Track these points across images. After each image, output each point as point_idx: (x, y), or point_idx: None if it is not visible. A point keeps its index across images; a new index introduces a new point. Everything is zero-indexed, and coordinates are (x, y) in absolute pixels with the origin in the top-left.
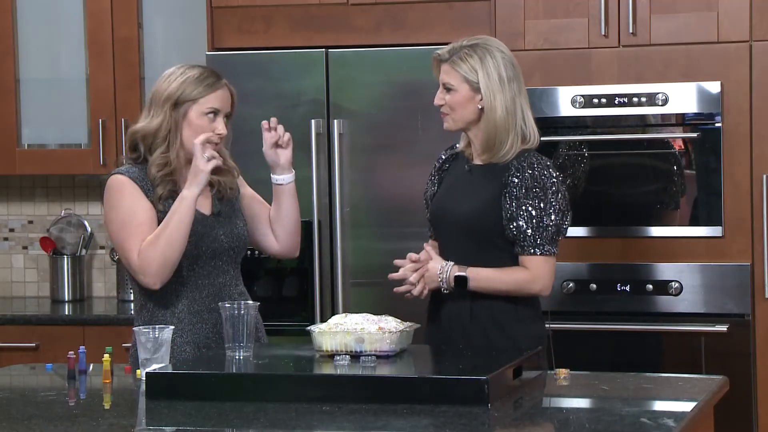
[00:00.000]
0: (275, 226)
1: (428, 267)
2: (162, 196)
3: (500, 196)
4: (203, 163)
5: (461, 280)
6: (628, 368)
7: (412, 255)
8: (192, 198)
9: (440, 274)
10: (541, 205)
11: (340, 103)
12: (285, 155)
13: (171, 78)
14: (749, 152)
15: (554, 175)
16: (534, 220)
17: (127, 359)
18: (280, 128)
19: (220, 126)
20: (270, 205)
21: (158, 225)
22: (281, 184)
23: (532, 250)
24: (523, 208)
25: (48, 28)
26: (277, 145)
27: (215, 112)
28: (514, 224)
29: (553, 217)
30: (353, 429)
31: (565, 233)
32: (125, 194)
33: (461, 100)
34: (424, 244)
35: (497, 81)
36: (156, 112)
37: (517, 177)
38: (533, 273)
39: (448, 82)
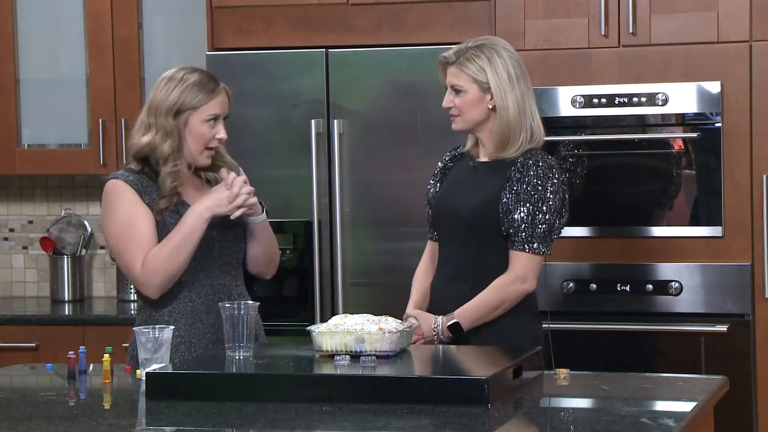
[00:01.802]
0: (249, 253)
1: (422, 330)
2: (167, 209)
3: (502, 191)
4: (233, 207)
5: (455, 327)
6: (629, 368)
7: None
8: (207, 218)
9: (434, 329)
10: (539, 203)
11: (340, 103)
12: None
13: (170, 86)
14: (749, 152)
15: (556, 175)
16: (529, 217)
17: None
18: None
19: (221, 131)
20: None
21: (156, 231)
22: (253, 224)
23: (522, 246)
24: (521, 203)
25: (48, 28)
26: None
27: (215, 118)
28: (510, 217)
29: (547, 216)
30: (353, 429)
31: (559, 233)
32: (123, 199)
33: (471, 101)
34: (406, 314)
35: (507, 80)
36: (159, 124)
37: (520, 172)
38: (518, 271)
39: (456, 83)
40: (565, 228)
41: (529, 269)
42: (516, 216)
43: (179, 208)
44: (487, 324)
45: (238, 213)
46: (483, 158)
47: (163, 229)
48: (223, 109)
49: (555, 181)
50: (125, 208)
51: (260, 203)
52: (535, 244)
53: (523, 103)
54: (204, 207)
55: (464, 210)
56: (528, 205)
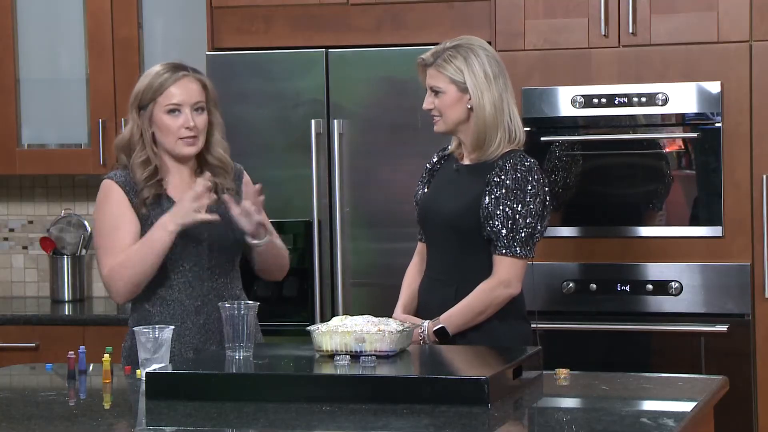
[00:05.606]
0: (255, 264)
1: None
2: (147, 201)
3: (482, 195)
4: (192, 212)
5: (441, 331)
6: (629, 368)
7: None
8: (173, 232)
9: (421, 334)
10: (518, 207)
11: (340, 103)
12: (256, 223)
13: (138, 82)
14: (749, 152)
15: (537, 178)
16: (509, 221)
17: None
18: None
19: (183, 119)
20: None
21: (140, 233)
22: (257, 245)
23: (504, 251)
24: (501, 207)
25: (48, 28)
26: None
27: (178, 107)
28: (490, 223)
29: (528, 220)
30: (353, 429)
31: (541, 236)
32: (111, 201)
33: (450, 102)
34: (396, 316)
35: (483, 79)
36: (128, 119)
37: (499, 177)
38: (502, 276)
39: (435, 85)
40: (565, 228)
41: (513, 274)
42: (496, 221)
43: (162, 201)
44: (474, 327)
45: (199, 217)
46: (466, 160)
47: (144, 224)
48: (185, 96)
49: (535, 183)
50: (111, 212)
51: (263, 227)
52: (518, 249)
53: (500, 102)
54: (168, 218)
55: (446, 213)
56: (508, 209)
